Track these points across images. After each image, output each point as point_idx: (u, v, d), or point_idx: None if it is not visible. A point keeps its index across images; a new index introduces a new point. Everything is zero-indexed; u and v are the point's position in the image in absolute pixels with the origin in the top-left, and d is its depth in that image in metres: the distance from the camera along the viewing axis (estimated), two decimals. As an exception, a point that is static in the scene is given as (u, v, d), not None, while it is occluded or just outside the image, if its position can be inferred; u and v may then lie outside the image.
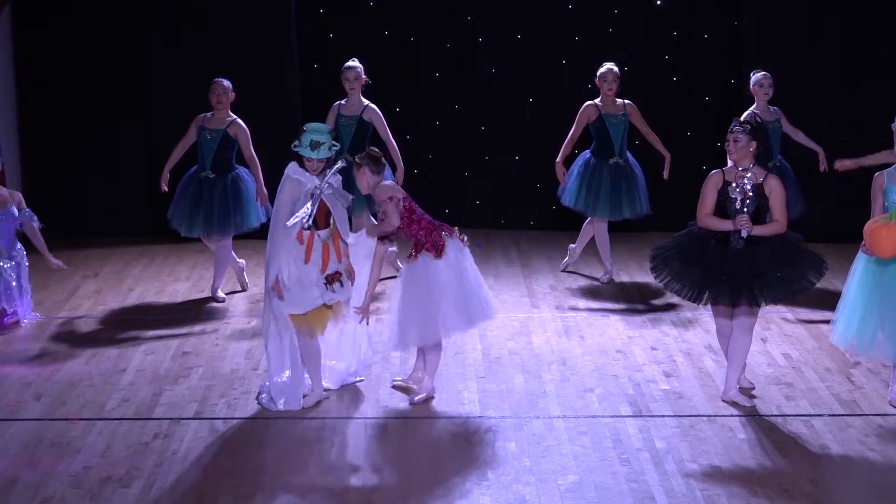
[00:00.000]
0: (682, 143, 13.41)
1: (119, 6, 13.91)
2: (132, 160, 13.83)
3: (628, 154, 12.13)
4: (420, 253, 8.97)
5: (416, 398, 9.10)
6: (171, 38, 13.89)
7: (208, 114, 11.51)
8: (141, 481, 7.74)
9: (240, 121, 11.48)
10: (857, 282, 8.78)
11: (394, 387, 9.35)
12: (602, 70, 12.00)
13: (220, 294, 11.66)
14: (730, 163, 8.93)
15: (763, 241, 8.71)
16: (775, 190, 8.71)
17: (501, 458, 8.10)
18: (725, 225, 8.70)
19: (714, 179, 8.81)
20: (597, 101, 12.02)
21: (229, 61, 13.52)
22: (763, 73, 11.62)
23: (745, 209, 8.69)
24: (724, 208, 8.74)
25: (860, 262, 8.80)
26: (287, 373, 9.00)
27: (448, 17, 14.35)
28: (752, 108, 11.59)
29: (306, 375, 9.09)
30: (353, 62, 11.86)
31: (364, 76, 11.84)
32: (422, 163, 14.05)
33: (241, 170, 11.62)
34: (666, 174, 12.08)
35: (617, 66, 12.02)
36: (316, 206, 8.68)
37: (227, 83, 11.50)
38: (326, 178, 8.75)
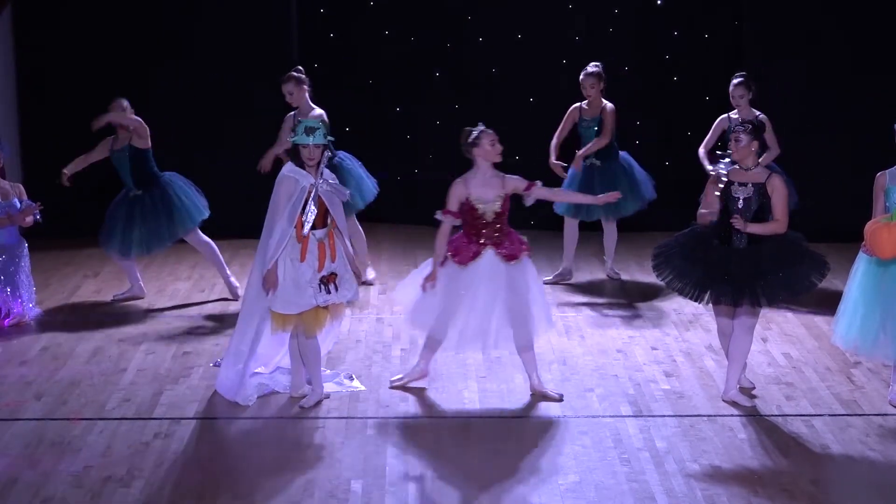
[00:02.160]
0: (683, 143, 13.40)
1: (119, 6, 13.91)
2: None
3: (624, 154, 12.12)
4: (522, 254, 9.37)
5: (403, 379, 9.29)
6: (171, 37, 13.88)
7: (113, 136, 11.43)
8: (141, 481, 7.74)
9: (141, 125, 11.31)
10: (857, 283, 8.78)
11: (392, 387, 9.35)
12: (581, 78, 12.02)
13: (235, 282, 11.60)
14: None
15: (765, 240, 8.71)
16: (778, 189, 8.71)
17: (502, 458, 8.09)
18: (706, 218, 8.73)
19: (717, 178, 8.82)
20: (583, 103, 12.08)
21: (229, 61, 13.52)
22: (737, 81, 11.53)
23: (750, 207, 8.69)
24: (727, 207, 8.74)
25: (861, 263, 8.79)
26: (240, 366, 9.01)
27: (448, 17, 14.35)
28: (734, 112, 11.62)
29: (306, 379, 9.11)
30: (291, 72, 11.49)
31: (306, 86, 11.40)
32: (422, 163, 14.04)
33: (167, 175, 11.48)
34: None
35: (598, 67, 11.93)
36: (316, 205, 8.66)
37: (122, 105, 11.28)
38: (322, 175, 8.74)
